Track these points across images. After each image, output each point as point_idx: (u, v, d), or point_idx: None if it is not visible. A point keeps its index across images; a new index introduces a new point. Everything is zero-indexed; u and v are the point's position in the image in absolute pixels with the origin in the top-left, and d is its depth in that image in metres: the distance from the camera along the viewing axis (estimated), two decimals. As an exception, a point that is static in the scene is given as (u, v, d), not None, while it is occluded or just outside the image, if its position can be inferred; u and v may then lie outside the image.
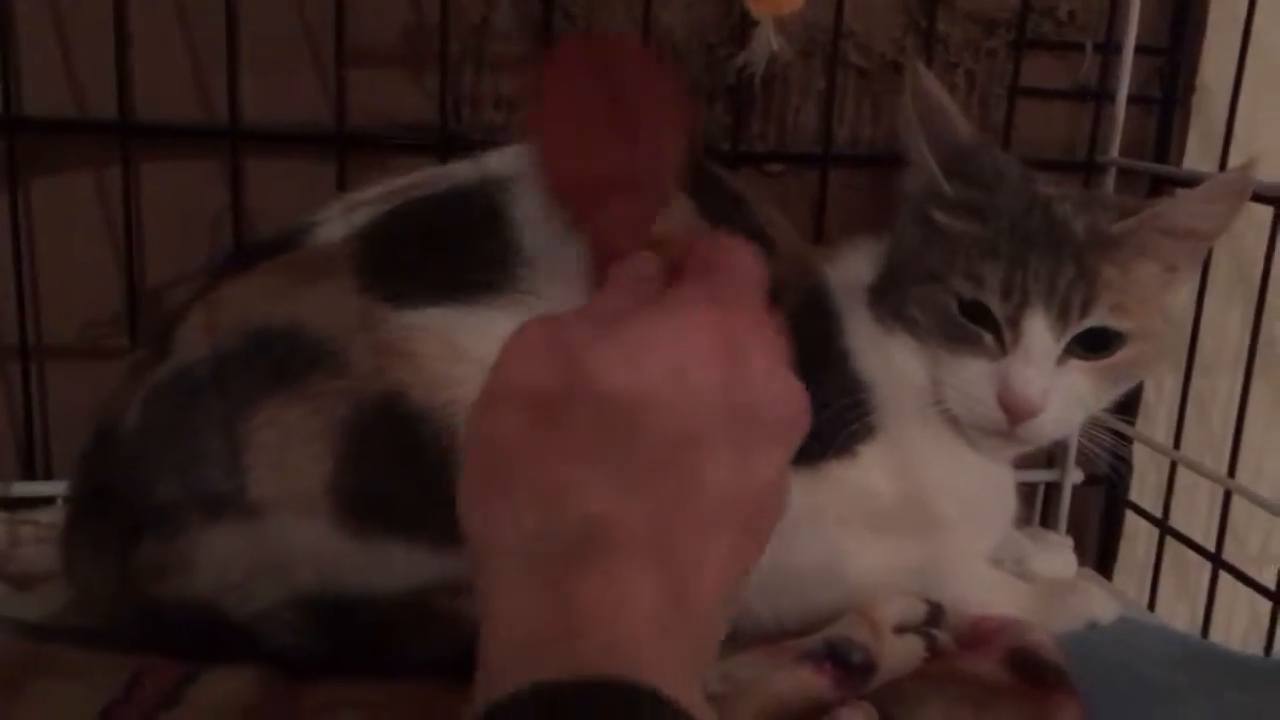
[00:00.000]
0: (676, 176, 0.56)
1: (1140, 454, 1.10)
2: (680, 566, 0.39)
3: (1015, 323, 0.72)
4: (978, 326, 0.73)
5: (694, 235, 0.50)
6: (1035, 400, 0.71)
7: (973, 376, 0.73)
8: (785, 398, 0.44)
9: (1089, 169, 1.03)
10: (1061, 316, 0.71)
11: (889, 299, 0.76)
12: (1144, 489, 1.13)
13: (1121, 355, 0.74)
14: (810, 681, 0.64)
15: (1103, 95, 1.02)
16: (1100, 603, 0.80)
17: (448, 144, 0.90)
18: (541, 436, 0.40)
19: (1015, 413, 0.72)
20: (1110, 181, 1.02)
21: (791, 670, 0.64)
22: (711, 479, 0.41)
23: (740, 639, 0.71)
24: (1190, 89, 1.06)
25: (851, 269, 0.80)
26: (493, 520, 0.41)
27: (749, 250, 0.48)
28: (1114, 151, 1.01)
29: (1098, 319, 0.72)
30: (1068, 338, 0.72)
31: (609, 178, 0.53)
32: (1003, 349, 0.72)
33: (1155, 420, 1.13)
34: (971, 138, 0.77)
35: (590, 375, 0.40)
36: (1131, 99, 1.01)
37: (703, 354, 0.41)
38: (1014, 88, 1.01)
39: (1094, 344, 0.73)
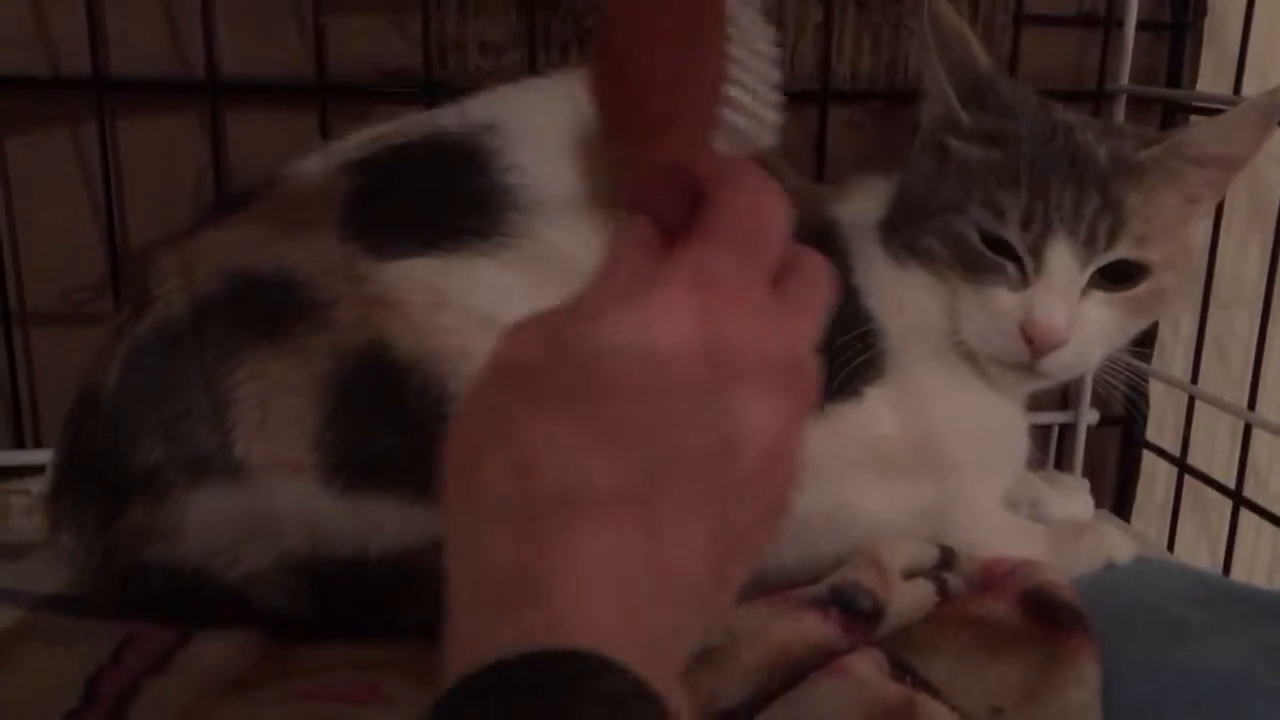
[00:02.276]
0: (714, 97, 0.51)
1: (1156, 394, 1.08)
2: (656, 537, 0.37)
3: (1037, 252, 0.70)
4: (999, 256, 0.71)
5: (724, 171, 0.46)
6: (1060, 330, 0.69)
7: (994, 307, 0.71)
8: (769, 379, 0.40)
9: (1099, 98, 1.00)
10: (1087, 245, 0.70)
11: (903, 233, 0.74)
12: (1162, 430, 1.11)
13: (1145, 287, 0.72)
14: (815, 628, 0.62)
15: (1111, 21, 0.99)
16: (1116, 543, 0.79)
17: (433, 91, 0.88)
18: (520, 403, 0.39)
19: (1039, 343, 0.70)
20: (1121, 110, 0.99)
21: (795, 618, 0.62)
22: (694, 447, 0.38)
23: (746, 590, 0.69)
24: (1202, 12, 1.02)
25: (861, 207, 0.78)
26: (468, 482, 0.39)
27: (761, 194, 0.44)
28: (1124, 79, 0.98)
29: (1123, 250, 0.70)
30: (1093, 268, 0.71)
31: (668, 105, 0.50)
32: (1025, 279, 0.71)
33: (1172, 359, 1.10)
34: (989, 66, 0.75)
35: (569, 346, 0.39)
36: (1141, 24, 0.98)
37: (677, 335, 0.39)
38: (1019, 16, 0.98)
39: (1117, 275, 0.71)
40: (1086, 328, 0.71)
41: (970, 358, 0.74)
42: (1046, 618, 0.65)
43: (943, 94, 0.74)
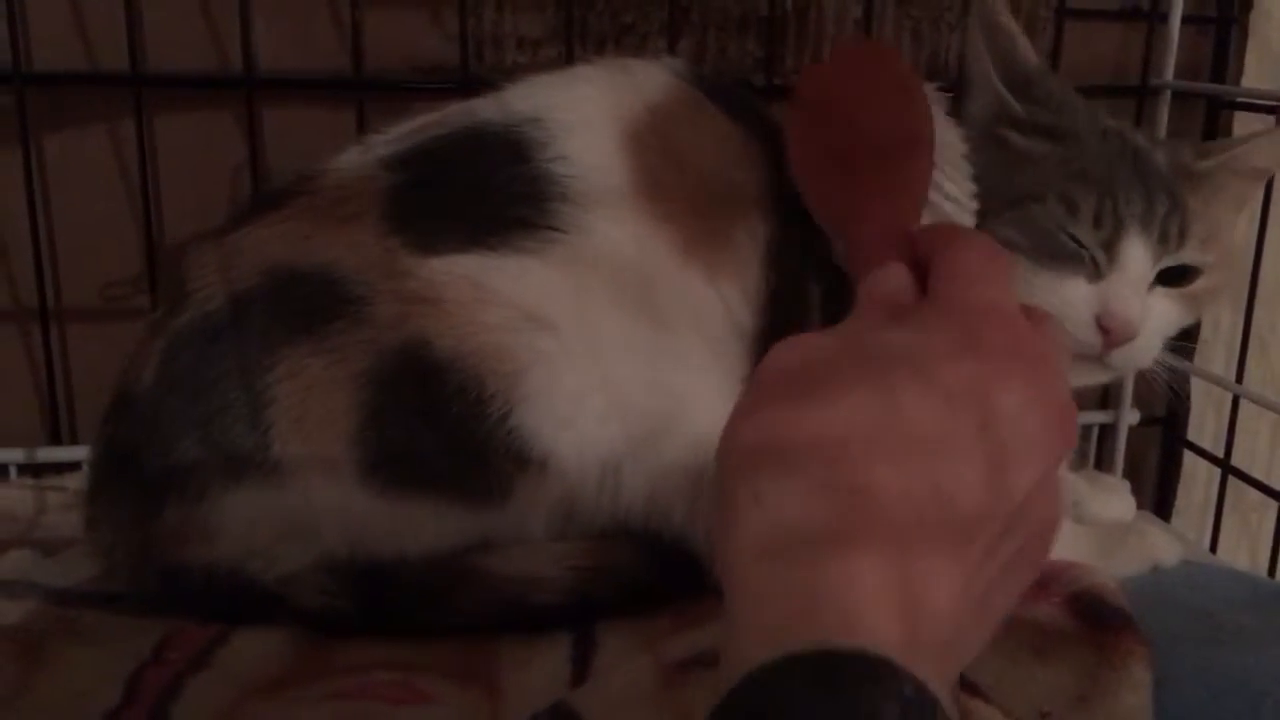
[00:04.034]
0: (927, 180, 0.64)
1: (1197, 394, 1.06)
2: (919, 572, 0.38)
3: (1111, 247, 0.70)
4: (1079, 246, 0.71)
5: (937, 231, 0.51)
6: (1135, 322, 0.70)
7: (1071, 296, 0.71)
8: (1044, 414, 0.41)
9: (1142, 93, 0.98)
10: (1160, 244, 0.71)
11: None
12: (1201, 430, 1.10)
13: (1200, 284, 0.73)
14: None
15: (1155, 15, 0.98)
16: (1163, 545, 0.78)
17: (470, 86, 0.87)
18: (807, 422, 0.40)
19: (1114, 334, 0.70)
20: (1165, 106, 0.98)
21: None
22: (958, 491, 0.39)
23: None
24: (1248, 6, 1.01)
25: None
26: (757, 496, 0.40)
27: (991, 245, 0.47)
28: (1168, 74, 0.97)
29: (1190, 252, 0.72)
30: (1161, 266, 0.71)
31: (869, 183, 0.61)
32: (1099, 272, 0.71)
33: (1213, 358, 1.09)
34: (1037, 63, 0.75)
35: (850, 350, 0.42)
36: (1185, 19, 0.97)
37: (954, 376, 0.40)
38: (1061, 9, 0.97)
39: (1175, 274, 0.72)
40: (1153, 322, 0.72)
41: None
42: (1096, 621, 0.64)
43: (989, 85, 0.73)
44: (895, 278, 0.47)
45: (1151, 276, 0.71)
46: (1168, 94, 0.97)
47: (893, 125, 0.67)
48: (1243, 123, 1.00)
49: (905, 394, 0.39)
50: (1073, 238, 0.70)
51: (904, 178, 0.65)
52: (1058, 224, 0.70)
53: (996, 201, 0.72)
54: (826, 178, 0.67)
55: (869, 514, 0.38)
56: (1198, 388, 1.06)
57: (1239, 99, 0.98)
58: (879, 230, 0.53)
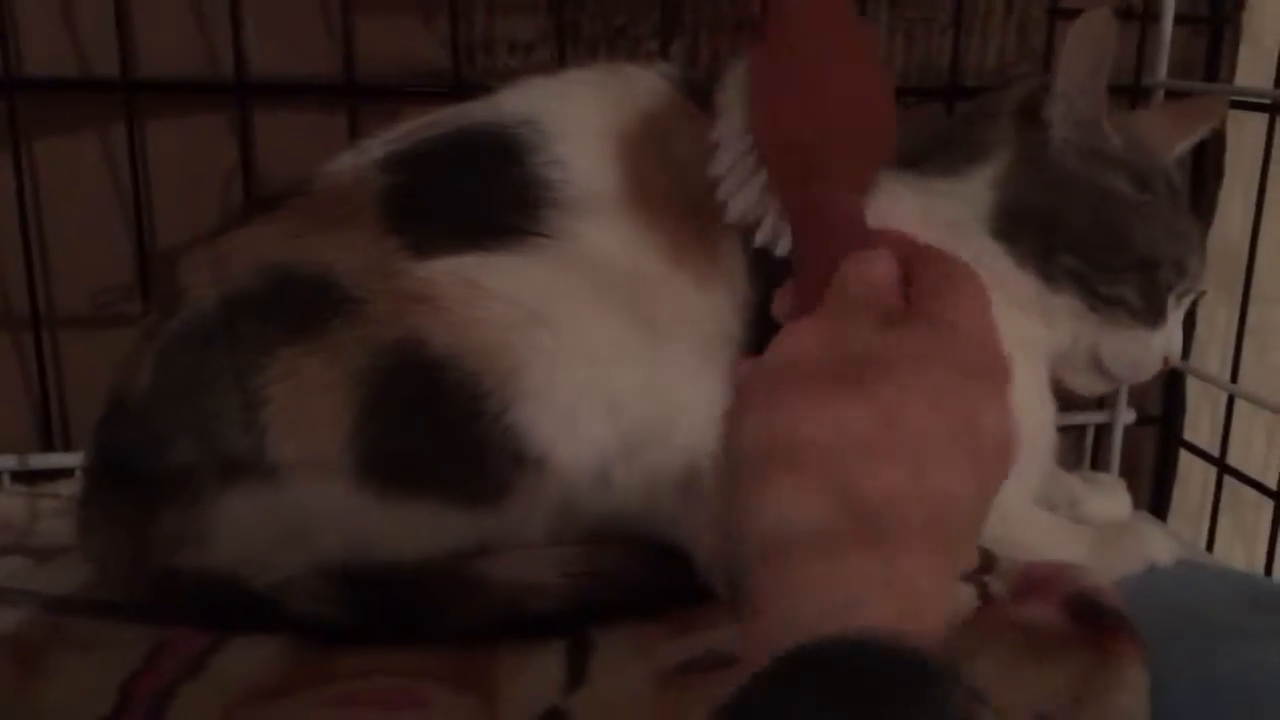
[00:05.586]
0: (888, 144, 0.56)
1: (1192, 393, 1.06)
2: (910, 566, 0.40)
3: (1185, 295, 0.78)
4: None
5: (913, 242, 0.49)
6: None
7: (1157, 346, 0.77)
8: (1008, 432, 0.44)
9: (1135, 92, 0.98)
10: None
11: (1051, 256, 0.74)
12: (1196, 428, 1.10)
13: None
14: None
15: (1148, 15, 0.98)
16: (1158, 544, 0.78)
17: (462, 91, 0.87)
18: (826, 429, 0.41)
19: (1168, 364, 0.78)
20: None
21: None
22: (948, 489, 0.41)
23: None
24: (1240, 5, 1.01)
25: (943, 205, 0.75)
26: (787, 507, 0.41)
27: (972, 274, 0.46)
28: (1162, 73, 0.97)
29: None
30: None
31: (825, 138, 0.52)
32: (1165, 318, 0.77)
33: (1208, 357, 1.09)
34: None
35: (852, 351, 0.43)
36: (1179, 18, 0.97)
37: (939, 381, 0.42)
38: (1054, 9, 0.96)
39: None
40: None
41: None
42: (1092, 622, 0.64)
43: (1091, 110, 0.74)
44: (882, 270, 0.45)
45: None
46: (1161, 93, 0.97)
47: (863, 95, 0.56)
48: (1236, 121, 1.00)
49: (900, 402, 0.40)
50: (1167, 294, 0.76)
51: (867, 161, 0.54)
52: (1173, 286, 0.76)
53: (1115, 261, 0.75)
54: (786, 122, 0.55)
55: (865, 513, 0.39)
56: (1193, 386, 1.06)
57: (1233, 98, 0.98)
58: (847, 212, 0.50)
